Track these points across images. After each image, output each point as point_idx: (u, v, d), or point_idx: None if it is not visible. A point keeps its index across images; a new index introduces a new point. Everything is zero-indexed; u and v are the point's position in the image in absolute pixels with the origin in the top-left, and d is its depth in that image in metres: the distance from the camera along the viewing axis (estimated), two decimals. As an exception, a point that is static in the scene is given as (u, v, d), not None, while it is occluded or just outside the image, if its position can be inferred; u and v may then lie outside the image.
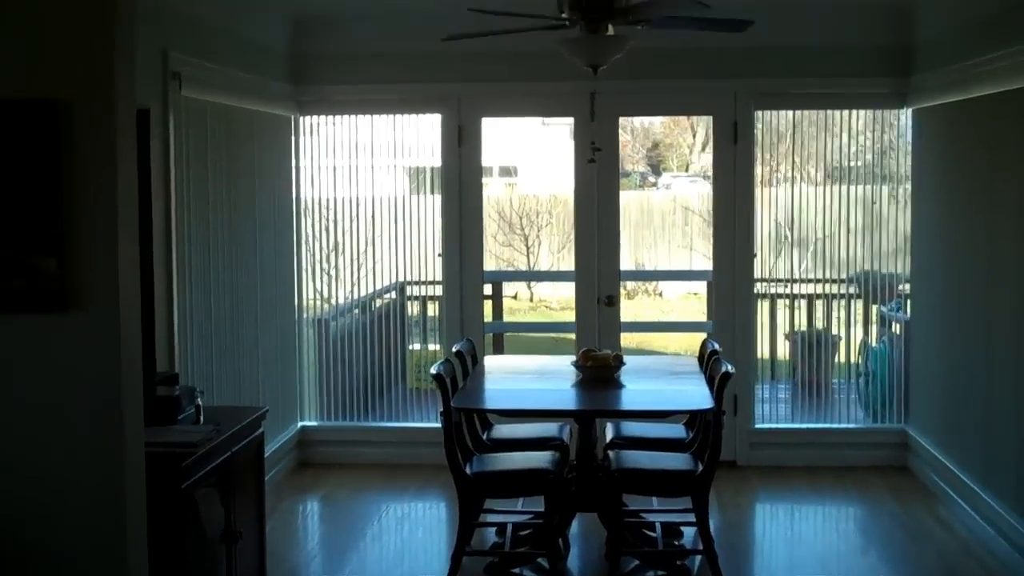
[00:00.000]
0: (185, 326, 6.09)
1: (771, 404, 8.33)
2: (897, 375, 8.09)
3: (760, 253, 8.02)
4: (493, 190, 21.08)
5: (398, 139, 8.17)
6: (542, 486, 5.80)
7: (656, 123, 26.69)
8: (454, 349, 6.53)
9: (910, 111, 7.87)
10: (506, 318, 16.21)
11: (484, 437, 6.39)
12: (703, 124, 26.53)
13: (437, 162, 8.09)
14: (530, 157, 21.41)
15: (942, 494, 7.17)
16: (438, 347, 8.32)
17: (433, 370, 5.82)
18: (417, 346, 9.03)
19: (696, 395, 5.92)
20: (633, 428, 6.46)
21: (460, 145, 7.97)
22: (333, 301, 8.46)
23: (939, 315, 7.45)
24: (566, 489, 5.89)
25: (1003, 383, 6.25)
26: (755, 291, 8.07)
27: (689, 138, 26.62)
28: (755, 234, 7.97)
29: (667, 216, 18.89)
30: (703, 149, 26.66)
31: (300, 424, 8.14)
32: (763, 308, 8.29)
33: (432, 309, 8.82)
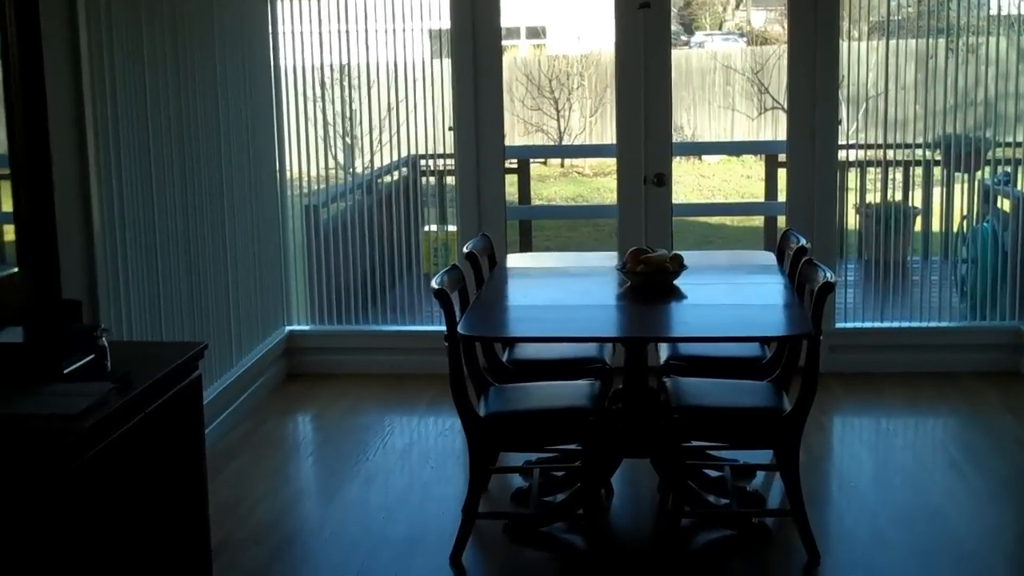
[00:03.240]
0: (112, 229, 4.49)
1: (845, 290, 6.67)
2: (1008, 263, 6.42)
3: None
4: (521, 52, 19.29)
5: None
6: (579, 431, 4.23)
7: None
8: (465, 250, 4.91)
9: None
10: (535, 188, 14.54)
11: (505, 358, 4.81)
12: (737, -20, 24.70)
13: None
14: (560, 17, 19.51)
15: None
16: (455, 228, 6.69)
17: (435, 283, 4.21)
18: (434, 227, 7.40)
19: (784, 312, 4.30)
20: (694, 344, 4.85)
21: (473, -2, 6.24)
22: (325, 183, 6.80)
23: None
24: (610, 431, 4.32)
25: None
26: (836, 165, 6.37)
27: (725, -6, 24.83)
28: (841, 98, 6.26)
29: (707, 75, 16.99)
30: (737, 6, 24.88)
31: (287, 329, 6.57)
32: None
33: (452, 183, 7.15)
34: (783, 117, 16.94)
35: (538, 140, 16.40)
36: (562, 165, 16.54)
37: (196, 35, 5.31)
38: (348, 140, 6.78)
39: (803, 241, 4.87)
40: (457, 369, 4.16)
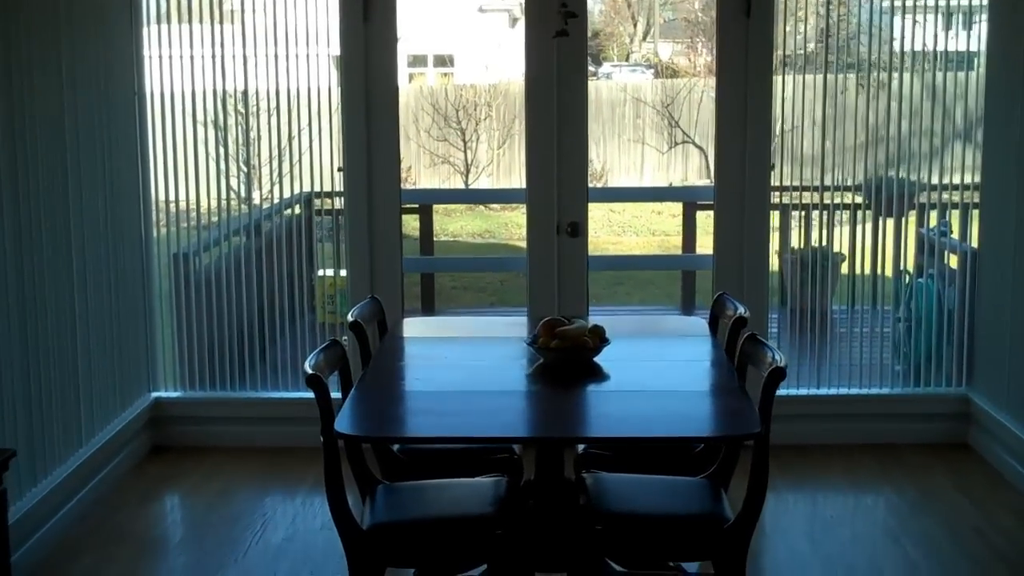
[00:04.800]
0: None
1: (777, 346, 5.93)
2: (955, 322, 5.78)
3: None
4: (428, 80, 18.56)
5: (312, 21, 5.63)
6: (483, 545, 3.45)
7: (595, 11, 24.55)
8: (349, 318, 4.11)
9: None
10: (440, 222, 13.74)
11: (396, 447, 4.02)
12: (644, 12, 24.36)
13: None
14: (468, 45, 18.82)
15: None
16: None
17: (307, 366, 3.41)
18: (329, 271, 6.56)
19: (725, 401, 3.58)
20: (617, 429, 4.08)
21: (365, 20, 5.46)
22: (197, 226, 5.92)
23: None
24: (520, 542, 3.55)
25: None
26: (769, 213, 5.69)
27: (630, 27, 24.43)
28: (772, 138, 5.58)
29: (616, 108, 16.38)
30: (644, 38, 24.57)
31: (153, 396, 5.69)
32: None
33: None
34: (694, 152, 16.49)
35: (444, 172, 15.65)
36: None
37: (37, 54, 4.46)
38: (231, 175, 5.93)
39: (741, 309, 4.17)
40: (335, 474, 3.37)
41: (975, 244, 5.74)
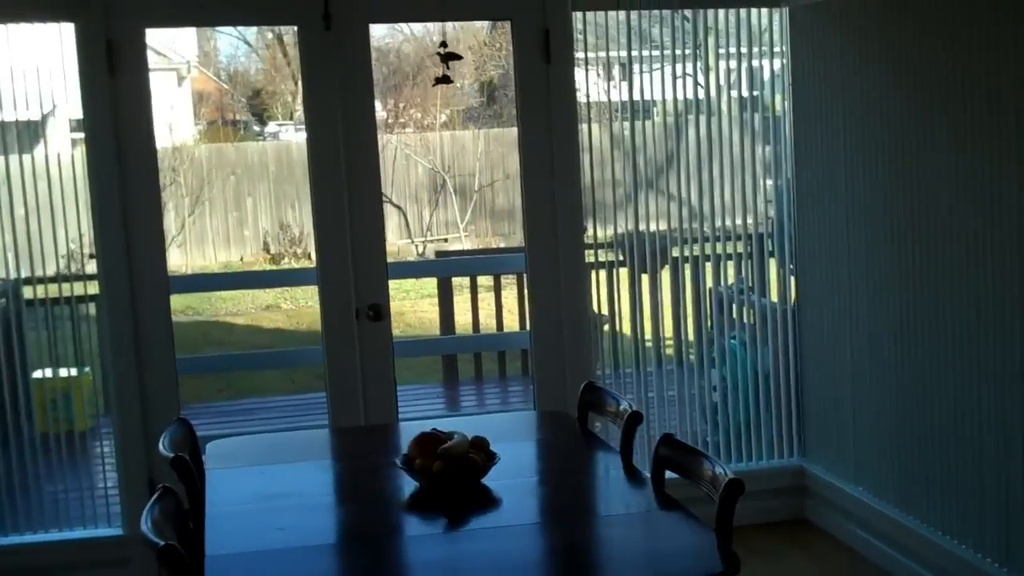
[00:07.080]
0: None
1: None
2: (779, 387, 5.34)
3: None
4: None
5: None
6: None
7: (252, 70, 23.85)
8: (166, 452, 3.12)
9: (786, 11, 5.13)
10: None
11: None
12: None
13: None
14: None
15: (871, 552, 4.69)
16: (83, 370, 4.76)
17: (148, 531, 2.47)
18: (47, 372, 5.39)
19: (669, 528, 2.91)
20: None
21: (112, 74, 4.50)
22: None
23: (846, 294, 4.83)
24: None
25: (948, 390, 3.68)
26: (585, 280, 5.08)
27: (291, 84, 23.70)
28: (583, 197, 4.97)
29: (306, 168, 15.45)
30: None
31: None
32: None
33: (88, 310, 5.11)
34: (392, 211, 15.74)
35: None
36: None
37: None
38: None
39: (624, 404, 3.52)
40: None
41: (775, 299, 5.36)
